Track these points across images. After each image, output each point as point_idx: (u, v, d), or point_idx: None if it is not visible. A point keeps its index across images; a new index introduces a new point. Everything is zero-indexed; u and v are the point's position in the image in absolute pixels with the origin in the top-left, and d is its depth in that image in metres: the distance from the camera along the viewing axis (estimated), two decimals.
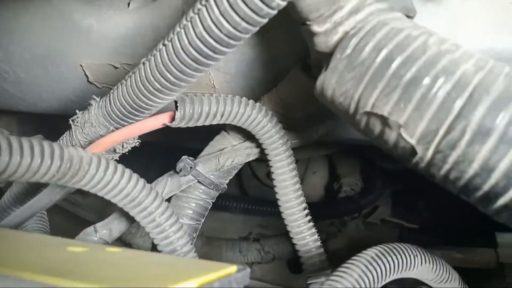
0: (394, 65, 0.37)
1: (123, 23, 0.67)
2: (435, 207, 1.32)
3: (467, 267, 0.92)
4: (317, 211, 1.31)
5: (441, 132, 0.35)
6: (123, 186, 0.47)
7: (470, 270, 0.91)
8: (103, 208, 1.26)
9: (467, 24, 0.49)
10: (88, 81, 0.77)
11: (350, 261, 0.46)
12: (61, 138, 0.65)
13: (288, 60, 0.61)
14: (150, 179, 0.56)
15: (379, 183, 1.38)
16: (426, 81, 0.35)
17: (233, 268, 0.34)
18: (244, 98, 0.58)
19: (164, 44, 0.45)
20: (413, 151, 0.37)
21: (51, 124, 1.18)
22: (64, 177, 0.43)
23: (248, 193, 1.50)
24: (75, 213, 1.26)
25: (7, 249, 0.35)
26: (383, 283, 0.47)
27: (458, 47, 0.37)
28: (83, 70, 0.75)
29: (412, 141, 0.37)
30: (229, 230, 1.42)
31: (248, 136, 0.65)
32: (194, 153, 0.71)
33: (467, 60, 0.36)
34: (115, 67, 0.72)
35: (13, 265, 0.27)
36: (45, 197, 0.56)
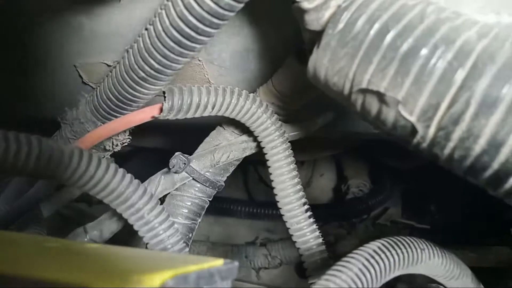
0: (389, 36, 0.34)
1: (114, 18, 0.65)
2: (446, 207, 1.27)
3: (481, 266, 0.87)
4: (325, 212, 1.29)
5: (443, 106, 0.32)
6: (108, 181, 0.44)
7: (484, 269, 0.87)
8: None
9: (465, 3, 0.46)
10: (83, 82, 0.75)
11: (350, 254, 0.43)
12: (52, 138, 0.63)
13: (282, 50, 0.58)
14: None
15: (388, 183, 1.34)
16: (424, 51, 0.32)
17: (219, 262, 0.31)
18: (236, 88, 0.55)
19: (146, 29, 0.42)
20: (413, 130, 0.34)
21: (49, 129, 1.17)
22: (46, 171, 0.40)
23: (254, 197, 1.47)
24: (80, 223, 1.23)
25: None
26: (387, 279, 0.43)
27: (459, 15, 0.34)
28: (77, 70, 0.73)
29: (412, 119, 0.34)
30: (235, 236, 1.39)
31: (244, 130, 0.62)
32: None
33: (470, 27, 0.33)
34: (108, 65, 0.70)
35: None
36: (35, 193, 0.54)
